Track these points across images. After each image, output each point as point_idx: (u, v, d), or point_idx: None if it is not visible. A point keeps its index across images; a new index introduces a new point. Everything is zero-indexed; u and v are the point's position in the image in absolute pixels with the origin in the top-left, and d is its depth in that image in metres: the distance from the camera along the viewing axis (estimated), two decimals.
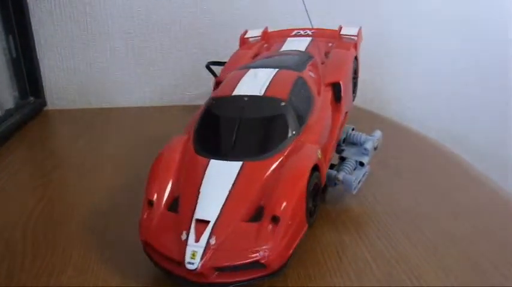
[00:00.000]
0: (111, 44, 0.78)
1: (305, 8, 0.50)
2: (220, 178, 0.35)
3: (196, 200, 0.34)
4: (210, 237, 0.32)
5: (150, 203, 0.35)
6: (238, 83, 0.42)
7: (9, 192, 0.52)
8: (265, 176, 0.35)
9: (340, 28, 0.54)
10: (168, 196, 0.36)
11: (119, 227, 0.45)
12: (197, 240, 0.32)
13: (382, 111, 0.79)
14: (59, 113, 0.78)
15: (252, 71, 0.44)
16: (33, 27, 0.74)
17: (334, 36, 0.53)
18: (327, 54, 0.51)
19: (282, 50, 0.52)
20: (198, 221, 0.33)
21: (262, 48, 0.55)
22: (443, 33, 0.82)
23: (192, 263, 0.31)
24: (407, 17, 0.81)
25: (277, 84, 0.41)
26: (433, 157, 0.59)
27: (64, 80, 0.79)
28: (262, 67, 0.44)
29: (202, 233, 0.32)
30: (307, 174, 0.35)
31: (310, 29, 0.55)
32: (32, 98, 0.75)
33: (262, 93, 0.40)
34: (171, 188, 0.36)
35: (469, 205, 0.48)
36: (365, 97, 0.82)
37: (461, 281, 0.38)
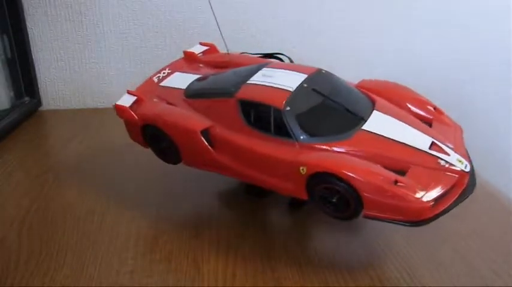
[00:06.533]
0: (106, 45, 0.78)
1: (219, 29, 0.54)
2: (388, 127, 0.41)
3: (409, 145, 0.40)
4: (447, 146, 0.40)
5: (395, 182, 0.36)
6: (273, 86, 0.42)
7: (4, 192, 0.52)
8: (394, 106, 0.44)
9: (191, 52, 0.57)
10: None
11: (113, 227, 0.45)
12: (448, 154, 0.39)
13: None
14: (54, 114, 0.78)
15: (257, 76, 0.44)
16: (28, 27, 0.74)
17: (194, 58, 0.57)
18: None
19: (180, 87, 0.51)
20: (431, 147, 0.39)
21: (159, 99, 0.51)
22: (439, 31, 0.82)
23: (466, 165, 0.39)
24: (403, 17, 0.81)
25: (297, 66, 0.46)
26: None
27: (59, 81, 0.79)
28: (250, 75, 0.45)
29: (443, 148, 0.40)
30: None
31: (164, 68, 0.56)
32: (27, 99, 0.75)
33: (306, 76, 0.43)
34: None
35: (463, 204, 0.48)
36: None
37: (455, 278, 0.38)
